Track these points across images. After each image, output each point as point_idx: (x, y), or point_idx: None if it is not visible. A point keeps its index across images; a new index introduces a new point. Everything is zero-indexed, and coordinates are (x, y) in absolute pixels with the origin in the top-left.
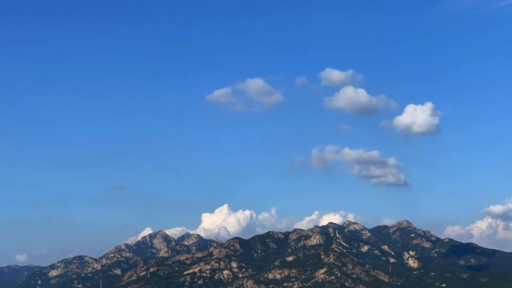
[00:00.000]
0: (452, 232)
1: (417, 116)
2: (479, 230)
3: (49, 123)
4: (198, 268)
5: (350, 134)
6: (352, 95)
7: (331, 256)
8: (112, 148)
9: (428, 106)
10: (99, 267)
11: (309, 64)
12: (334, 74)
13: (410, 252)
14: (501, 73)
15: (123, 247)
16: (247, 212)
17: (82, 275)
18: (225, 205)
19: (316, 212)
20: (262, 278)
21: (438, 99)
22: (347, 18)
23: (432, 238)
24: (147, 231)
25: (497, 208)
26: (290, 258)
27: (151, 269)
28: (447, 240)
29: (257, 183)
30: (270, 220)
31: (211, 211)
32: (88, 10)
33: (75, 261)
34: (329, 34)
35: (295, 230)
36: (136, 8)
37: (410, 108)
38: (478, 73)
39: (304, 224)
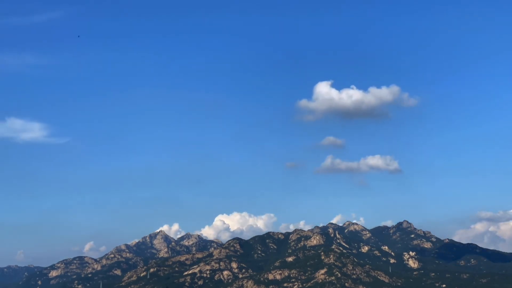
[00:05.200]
0: (452, 232)
1: None
2: (479, 231)
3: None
4: (198, 268)
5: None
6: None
7: (331, 256)
8: None
9: None
10: (99, 268)
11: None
12: None
13: (410, 252)
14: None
15: (123, 247)
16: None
17: (82, 275)
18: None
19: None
20: (262, 279)
21: None
22: None
23: (432, 239)
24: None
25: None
26: (290, 259)
27: (151, 270)
28: (447, 241)
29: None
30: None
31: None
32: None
33: (75, 261)
34: None
35: (295, 230)
36: None
37: None
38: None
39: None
